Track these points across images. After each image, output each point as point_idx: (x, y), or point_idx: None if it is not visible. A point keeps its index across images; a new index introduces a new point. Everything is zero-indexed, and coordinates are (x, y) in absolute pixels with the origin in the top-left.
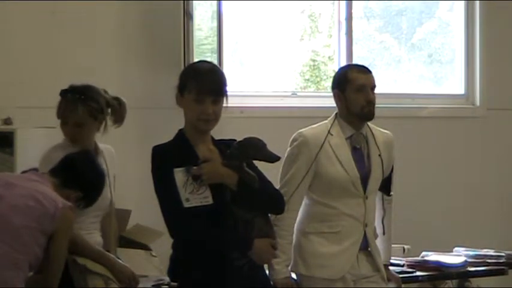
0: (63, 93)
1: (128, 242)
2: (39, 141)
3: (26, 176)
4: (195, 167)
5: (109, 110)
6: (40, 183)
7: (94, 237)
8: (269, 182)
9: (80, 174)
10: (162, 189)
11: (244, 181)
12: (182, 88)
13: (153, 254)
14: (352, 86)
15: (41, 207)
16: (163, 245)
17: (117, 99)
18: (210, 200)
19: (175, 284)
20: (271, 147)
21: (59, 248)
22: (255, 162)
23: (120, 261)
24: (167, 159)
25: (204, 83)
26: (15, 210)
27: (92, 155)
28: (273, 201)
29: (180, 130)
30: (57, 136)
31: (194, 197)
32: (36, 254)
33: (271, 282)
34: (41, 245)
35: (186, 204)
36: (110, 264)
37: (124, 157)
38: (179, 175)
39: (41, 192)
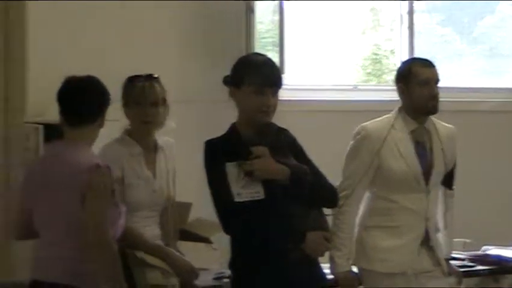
0: (132, 78)
1: (188, 235)
2: (100, 134)
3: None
4: (247, 162)
5: None
6: (63, 156)
7: (152, 231)
8: (322, 176)
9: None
10: (214, 183)
11: (296, 175)
12: (238, 81)
13: (214, 247)
14: (417, 80)
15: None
16: (225, 238)
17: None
18: (261, 195)
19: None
20: (332, 141)
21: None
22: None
23: (178, 254)
24: (219, 153)
25: (265, 74)
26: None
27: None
28: (326, 195)
29: (233, 124)
30: (117, 130)
31: (246, 191)
32: None
33: (332, 276)
34: None
35: (238, 199)
36: (167, 258)
37: (185, 150)
38: (231, 169)
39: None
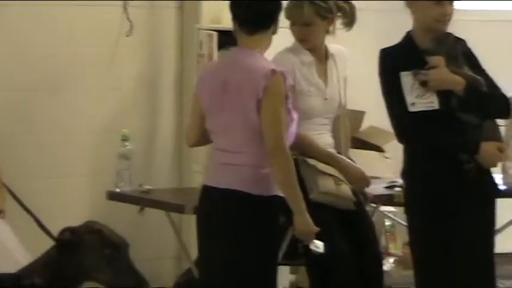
0: None
1: (361, 143)
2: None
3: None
4: (422, 72)
5: (339, 14)
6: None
7: (324, 139)
8: (496, 87)
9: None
10: (388, 92)
11: (471, 86)
12: None
13: (387, 155)
14: None
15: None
16: (398, 147)
17: (347, 2)
18: (435, 105)
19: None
20: (508, 52)
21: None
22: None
23: (350, 162)
24: (395, 62)
25: None
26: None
27: None
28: (500, 106)
29: (408, 33)
30: (291, 37)
31: (420, 101)
32: None
33: (505, 187)
34: None
35: (412, 109)
36: (339, 165)
37: (358, 58)
38: (406, 79)
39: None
